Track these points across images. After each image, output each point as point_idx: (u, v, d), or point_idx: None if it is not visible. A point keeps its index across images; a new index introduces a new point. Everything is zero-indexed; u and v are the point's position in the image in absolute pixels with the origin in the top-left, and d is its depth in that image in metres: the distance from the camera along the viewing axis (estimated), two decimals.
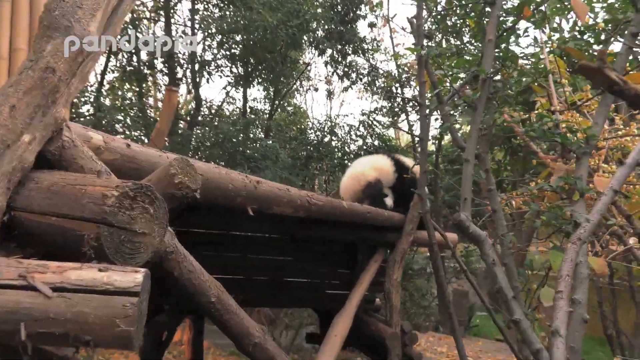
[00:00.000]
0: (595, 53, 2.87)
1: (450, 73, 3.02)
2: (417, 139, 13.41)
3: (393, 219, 4.28)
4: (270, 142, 11.20)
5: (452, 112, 5.68)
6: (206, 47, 13.84)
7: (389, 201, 4.54)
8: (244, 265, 4.47)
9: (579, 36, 2.83)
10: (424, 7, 3.03)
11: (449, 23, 3.71)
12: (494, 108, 2.72)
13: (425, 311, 11.57)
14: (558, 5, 2.75)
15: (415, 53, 2.68)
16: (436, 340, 7.47)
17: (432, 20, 3.64)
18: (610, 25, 2.75)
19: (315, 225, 3.56)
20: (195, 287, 1.71)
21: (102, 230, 1.11)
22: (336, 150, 13.53)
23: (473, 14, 2.83)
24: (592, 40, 2.85)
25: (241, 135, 10.67)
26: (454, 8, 3.36)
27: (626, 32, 2.68)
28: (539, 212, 2.58)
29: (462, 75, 3.07)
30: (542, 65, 3.17)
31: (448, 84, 3.74)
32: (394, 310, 4.33)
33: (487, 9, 3.04)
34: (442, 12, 3.34)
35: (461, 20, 3.51)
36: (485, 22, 2.92)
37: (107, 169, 1.38)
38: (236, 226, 3.68)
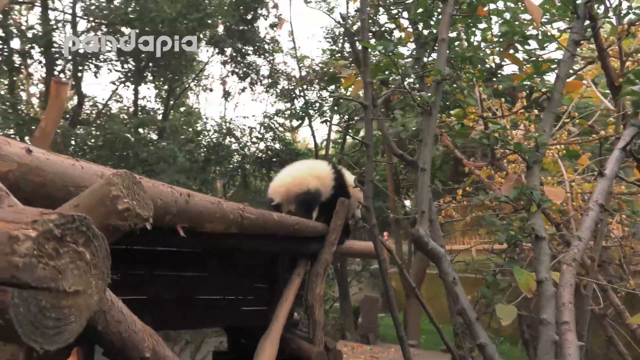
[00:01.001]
0: (534, 59, 2.83)
1: (387, 72, 2.82)
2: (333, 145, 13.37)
3: (317, 229, 4.00)
4: (166, 144, 10.43)
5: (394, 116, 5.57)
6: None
7: (314, 213, 4.25)
8: (149, 283, 3.93)
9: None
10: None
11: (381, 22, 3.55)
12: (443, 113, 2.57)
13: (328, 315, 11.50)
14: (512, 5, 2.65)
15: (361, 47, 2.42)
16: (349, 350, 7.34)
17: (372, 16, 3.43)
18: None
19: (233, 237, 3.16)
20: (124, 341, 1.28)
21: (8, 297, 0.68)
22: (235, 153, 13.04)
23: (420, 10, 2.64)
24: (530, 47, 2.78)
25: (134, 136, 9.80)
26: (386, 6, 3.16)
27: (568, 39, 2.64)
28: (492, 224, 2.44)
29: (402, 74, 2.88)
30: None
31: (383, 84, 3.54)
32: (318, 327, 4.05)
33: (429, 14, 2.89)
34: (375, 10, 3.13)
35: (392, 20, 3.31)
36: (432, 20, 2.75)
37: (5, 190, 0.92)
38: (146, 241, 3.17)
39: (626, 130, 1.85)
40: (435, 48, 2.81)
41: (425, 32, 3.10)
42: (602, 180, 1.76)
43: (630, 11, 2.47)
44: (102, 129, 9.51)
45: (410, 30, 3.22)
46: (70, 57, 11.33)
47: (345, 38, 10.16)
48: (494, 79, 6.38)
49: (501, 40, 3.84)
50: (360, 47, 2.84)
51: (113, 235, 0.91)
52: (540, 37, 2.69)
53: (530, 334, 4.54)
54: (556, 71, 2.64)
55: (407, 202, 14.18)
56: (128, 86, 13.55)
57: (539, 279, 1.99)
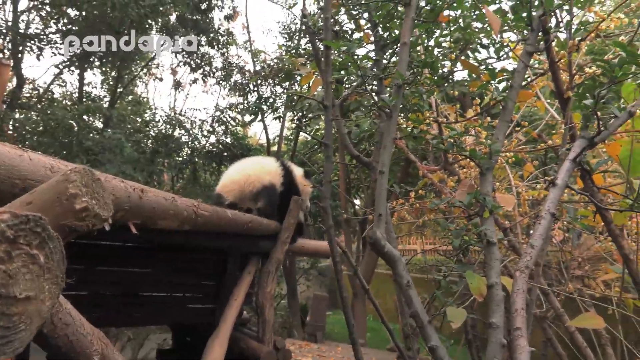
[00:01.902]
0: (491, 67, 2.91)
1: (346, 74, 2.82)
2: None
3: (270, 227, 3.96)
4: (112, 132, 10.03)
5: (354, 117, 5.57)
6: (31, 19, 12.05)
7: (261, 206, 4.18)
8: (90, 279, 3.76)
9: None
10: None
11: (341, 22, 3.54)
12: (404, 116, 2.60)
13: (275, 313, 11.44)
14: (467, 13, 2.71)
15: (324, 46, 2.40)
16: (297, 348, 7.32)
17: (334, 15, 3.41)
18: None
19: (183, 234, 3.07)
20: (72, 345, 1.21)
21: None
22: (185, 145, 12.73)
23: (380, 12, 2.65)
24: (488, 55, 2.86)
25: (78, 123, 9.37)
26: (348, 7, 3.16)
27: (522, 50, 2.72)
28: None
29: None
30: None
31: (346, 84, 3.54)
32: (267, 326, 4.01)
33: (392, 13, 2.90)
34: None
35: (353, 20, 3.31)
36: (395, 23, 2.77)
37: None
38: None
39: (576, 142, 1.93)
40: (395, 50, 2.82)
41: (385, 34, 3.12)
42: (554, 189, 1.82)
43: (581, 27, 2.57)
44: (44, 114, 9.03)
45: (370, 32, 3.24)
46: (9, 37, 10.74)
47: (303, 35, 10.14)
48: (446, 84, 6.52)
49: (454, 45, 3.93)
50: (321, 46, 2.84)
51: (69, 236, 0.85)
52: (496, 46, 2.76)
53: (473, 334, 4.69)
54: (510, 81, 2.71)
55: (357, 202, 14.34)
56: (73, 71, 12.96)
57: (490, 283, 2.04)
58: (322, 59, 2.58)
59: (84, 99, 12.83)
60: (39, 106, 11.53)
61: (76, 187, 0.85)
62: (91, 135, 9.12)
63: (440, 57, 5.05)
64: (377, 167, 2.39)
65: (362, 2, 2.66)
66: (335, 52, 3.68)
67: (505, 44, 2.78)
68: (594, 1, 2.51)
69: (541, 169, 3.54)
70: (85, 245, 3.40)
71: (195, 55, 12.66)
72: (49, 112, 8.97)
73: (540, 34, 2.66)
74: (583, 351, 3.08)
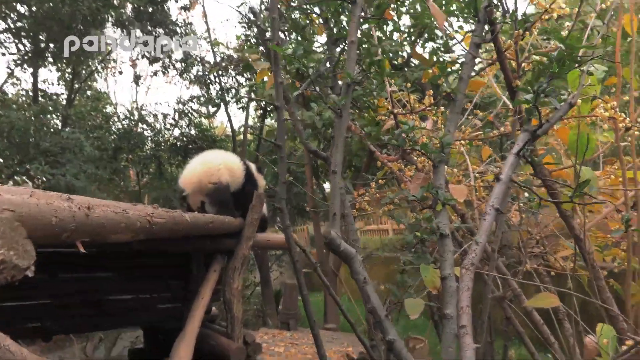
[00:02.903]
0: (444, 59, 2.94)
1: (300, 71, 2.81)
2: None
3: (233, 224, 3.95)
4: (70, 131, 9.75)
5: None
6: None
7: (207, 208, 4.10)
8: (54, 287, 3.70)
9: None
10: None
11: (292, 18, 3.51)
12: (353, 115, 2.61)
13: (249, 301, 11.46)
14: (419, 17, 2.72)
15: (272, 49, 2.38)
16: (270, 338, 7.36)
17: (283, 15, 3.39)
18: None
19: (140, 241, 3.04)
20: None
21: None
22: (148, 140, 12.52)
23: (328, 9, 2.64)
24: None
25: (33, 124, 9.07)
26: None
27: (469, 42, 2.75)
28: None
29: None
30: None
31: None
32: (236, 322, 4.02)
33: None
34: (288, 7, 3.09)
35: (305, 16, 3.28)
36: (342, 21, 2.76)
37: None
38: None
39: (520, 136, 1.98)
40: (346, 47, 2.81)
41: (336, 29, 3.12)
42: (498, 184, 1.87)
43: (525, 17, 2.61)
44: None
45: (323, 25, 3.23)
46: None
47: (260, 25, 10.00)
48: (406, 69, 6.55)
49: (412, 30, 3.92)
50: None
51: None
52: (444, 40, 2.78)
53: (439, 315, 4.80)
54: (459, 72, 2.75)
55: (327, 186, 14.39)
56: (25, 69, 12.51)
57: (443, 275, 2.08)
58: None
59: (40, 98, 12.42)
60: None
61: None
62: (48, 136, 8.83)
63: (399, 43, 5.07)
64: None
65: (308, 1, 2.64)
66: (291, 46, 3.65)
67: (452, 37, 2.80)
68: None
69: (500, 154, 3.60)
70: (47, 253, 3.34)
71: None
72: (1, 113, 8.65)
73: (487, 25, 2.70)
74: (540, 328, 3.19)
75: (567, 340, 3.27)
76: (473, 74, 2.94)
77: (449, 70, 2.77)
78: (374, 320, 2.28)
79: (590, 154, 2.85)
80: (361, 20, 2.45)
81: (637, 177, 2.85)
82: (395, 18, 2.83)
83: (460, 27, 3.28)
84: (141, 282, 4.29)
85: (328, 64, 3.00)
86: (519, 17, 2.69)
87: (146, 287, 4.36)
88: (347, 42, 2.48)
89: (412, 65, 6.83)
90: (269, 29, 2.95)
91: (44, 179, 8.12)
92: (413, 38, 5.86)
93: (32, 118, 8.92)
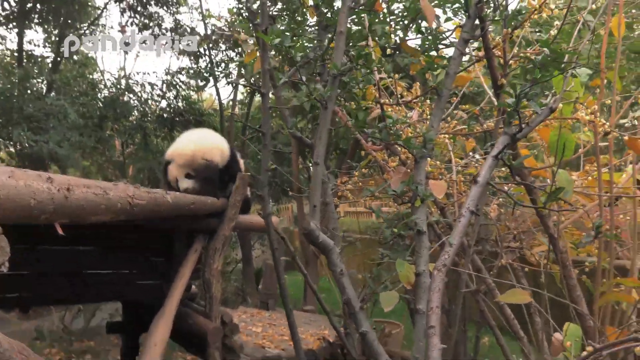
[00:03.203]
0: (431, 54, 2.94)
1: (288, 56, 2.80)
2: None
3: (216, 205, 3.95)
4: (55, 97, 9.60)
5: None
6: None
7: (189, 184, 4.05)
8: (32, 258, 3.69)
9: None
10: None
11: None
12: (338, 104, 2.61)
13: (229, 279, 11.53)
14: (411, 6, 2.71)
15: (258, 37, 2.37)
16: (248, 317, 7.44)
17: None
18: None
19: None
20: None
21: None
22: (135, 109, 12.36)
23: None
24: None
25: (17, 88, 8.90)
26: None
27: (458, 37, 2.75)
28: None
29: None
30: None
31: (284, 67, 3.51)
32: (214, 302, 4.06)
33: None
34: None
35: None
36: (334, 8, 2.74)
37: None
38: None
39: (500, 138, 2.00)
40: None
41: (328, 15, 3.09)
42: (475, 187, 1.90)
43: (514, 13, 2.62)
44: None
45: (314, 8, 3.20)
46: None
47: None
48: (397, 53, 6.49)
49: (405, 14, 3.88)
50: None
51: None
52: (433, 35, 2.79)
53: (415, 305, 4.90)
54: (446, 68, 2.75)
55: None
56: (10, 29, 12.22)
57: (418, 271, 2.13)
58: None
59: (25, 60, 12.17)
60: None
61: None
62: (32, 102, 8.68)
63: (393, 27, 5.04)
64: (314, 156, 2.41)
65: None
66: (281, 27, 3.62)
67: (441, 32, 2.81)
68: None
69: (484, 147, 3.64)
70: (27, 225, 3.32)
71: (143, 15, 12.14)
72: None
73: (476, 21, 2.70)
74: (510, 322, 3.29)
75: (537, 335, 3.38)
76: (461, 69, 2.94)
77: (436, 65, 2.77)
78: (348, 311, 2.33)
79: (569, 155, 2.90)
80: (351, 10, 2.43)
81: (613, 178, 2.91)
82: (385, 5, 2.80)
83: (449, 19, 3.27)
84: (122, 257, 4.29)
85: (317, 51, 2.97)
86: (510, 14, 2.70)
87: (127, 262, 4.36)
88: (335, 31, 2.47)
89: (404, 50, 6.78)
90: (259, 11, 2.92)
91: (27, 144, 8.00)
92: (406, 22, 5.83)
93: (16, 82, 8.74)
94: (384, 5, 2.93)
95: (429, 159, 3.16)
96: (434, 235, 3.56)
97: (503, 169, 3.38)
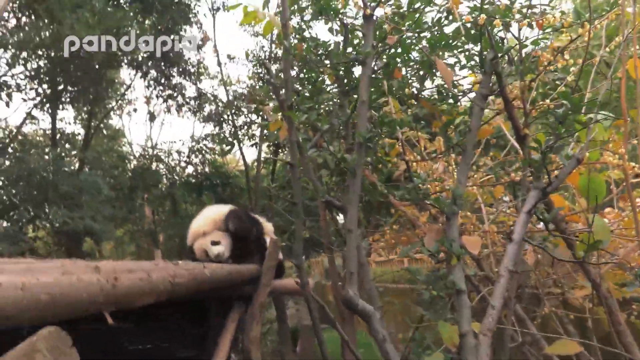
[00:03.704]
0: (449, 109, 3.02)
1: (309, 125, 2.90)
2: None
3: (250, 272, 3.99)
4: (88, 173, 9.96)
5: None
6: None
7: (220, 249, 4.11)
8: (73, 339, 3.75)
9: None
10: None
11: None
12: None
13: (265, 340, 11.36)
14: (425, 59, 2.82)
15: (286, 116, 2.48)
16: None
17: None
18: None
19: None
20: None
21: None
22: (163, 177, 12.70)
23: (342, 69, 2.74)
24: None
25: (51, 167, 9.29)
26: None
27: (476, 93, 2.82)
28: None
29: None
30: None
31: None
32: None
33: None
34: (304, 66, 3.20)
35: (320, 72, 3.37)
36: (354, 78, 2.86)
37: None
38: None
39: (530, 194, 2.02)
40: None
41: (347, 81, 3.21)
42: (511, 245, 1.91)
43: (530, 66, 2.69)
44: (18, 163, 8.93)
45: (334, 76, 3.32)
46: None
47: (273, 62, 10.23)
48: (415, 104, 6.60)
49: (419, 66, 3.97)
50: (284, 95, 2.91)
51: None
52: (452, 94, 2.86)
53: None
54: (468, 124, 2.80)
55: (340, 218, 14.38)
56: (44, 111, 12.86)
57: (462, 332, 2.11)
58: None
59: (58, 136, 12.72)
60: (10, 150, 11.40)
61: (42, 357, 0.89)
62: (66, 179, 9.03)
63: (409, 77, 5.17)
64: (346, 224, 2.45)
65: (320, 64, 2.74)
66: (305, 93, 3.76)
67: (460, 91, 2.89)
68: (539, 45, 2.63)
69: (516, 196, 3.63)
70: None
71: (167, 85, 12.68)
72: (20, 157, 8.88)
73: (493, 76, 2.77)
74: None
75: None
76: (483, 123, 2.99)
77: (456, 119, 2.83)
78: None
79: (602, 199, 2.88)
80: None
81: None
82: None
83: (464, 67, 3.36)
84: (160, 330, 4.32)
85: (340, 117, 3.07)
86: (524, 68, 2.77)
87: (164, 335, 4.39)
88: (358, 101, 2.56)
89: (421, 97, 6.90)
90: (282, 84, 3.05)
91: (63, 222, 8.26)
92: (422, 73, 5.95)
93: (51, 162, 9.13)
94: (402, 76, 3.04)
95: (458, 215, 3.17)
96: (472, 287, 3.51)
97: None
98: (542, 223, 2.18)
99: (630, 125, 2.83)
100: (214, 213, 4.39)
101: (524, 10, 3.22)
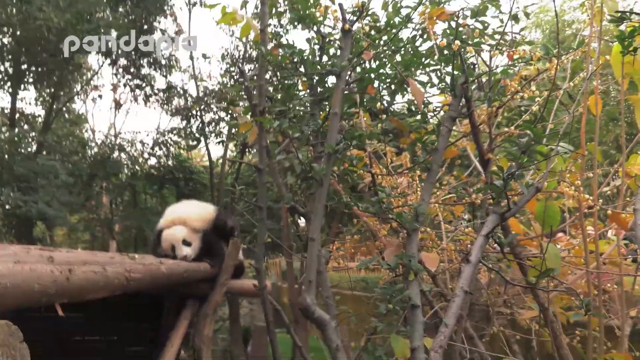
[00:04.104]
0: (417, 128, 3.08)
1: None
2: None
3: (208, 271, 3.96)
4: (46, 158, 9.63)
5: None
6: None
7: (188, 251, 4.05)
8: (20, 325, 3.63)
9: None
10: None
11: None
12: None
13: (215, 339, 11.25)
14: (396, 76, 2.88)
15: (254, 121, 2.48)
16: None
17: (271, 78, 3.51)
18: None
19: None
20: None
21: None
22: (125, 167, 12.43)
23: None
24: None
25: (8, 149, 8.95)
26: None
27: (445, 114, 2.90)
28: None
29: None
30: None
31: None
32: None
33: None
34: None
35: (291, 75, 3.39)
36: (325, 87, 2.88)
37: None
38: None
39: (489, 218, 2.09)
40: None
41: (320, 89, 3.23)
42: (468, 266, 1.97)
43: (497, 97, 2.78)
44: None
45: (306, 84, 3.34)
46: None
47: (246, 62, 10.18)
48: (385, 116, 6.69)
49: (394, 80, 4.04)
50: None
51: None
52: (421, 113, 2.93)
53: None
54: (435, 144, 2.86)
55: (302, 221, 14.39)
56: (4, 89, 12.40)
57: (413, 346, 2.16)
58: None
59: (17, 116, 12.30)
60: None
61: None
62: (23, 162, 8.72)
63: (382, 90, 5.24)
64: (309, 232, 2.47)
65: (296, 73, 2.76)
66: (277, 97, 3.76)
67: (430, 110, 2.96)
68: (509, 74, 2.72)
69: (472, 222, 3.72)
70: None
71: (136, 75, 12.43)
72: None
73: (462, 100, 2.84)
74: None
75: None
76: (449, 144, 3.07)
77: (424, 139, 2.90)
78: None
79: (556, 226, 3.00)
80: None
81: (599, 247, 3.01)
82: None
83: (433, 85, 3.45)
84: (110, 323, 4.24)
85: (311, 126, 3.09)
86: (492, 94, 2.86)
87: (115, 328, 4.31)
88: (330, 112, 2.59)
89: (392, 111, 7.00)
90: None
91: (16, 205, 7.98)
92: (393, 87, 6.05)
93: (7, 143, 8.80)
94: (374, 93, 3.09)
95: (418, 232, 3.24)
96: (426, 301, 3.58)
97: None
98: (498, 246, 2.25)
99: (587, 157, 2.96)
100: (202, 209, 4.25)
101: (496, 36, 3.34)
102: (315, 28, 3.07)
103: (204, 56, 10.68)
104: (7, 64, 10.53)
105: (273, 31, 3.02)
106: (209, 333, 4.12)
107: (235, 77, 9.72)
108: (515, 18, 3.23)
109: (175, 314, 4.25)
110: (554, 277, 2.21)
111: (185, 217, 4.07)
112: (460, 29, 3.04)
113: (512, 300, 4.19)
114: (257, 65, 2.70)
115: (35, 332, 3.76)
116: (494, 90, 2.64)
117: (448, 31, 3.06)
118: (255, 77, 2.73)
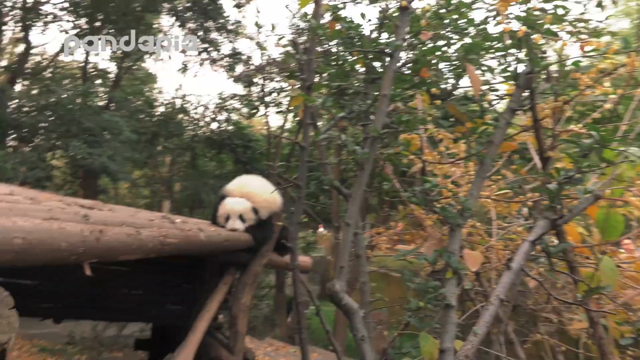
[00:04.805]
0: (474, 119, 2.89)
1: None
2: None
3: (249, 241, 3.97)
4: (111, 115, 9.98)
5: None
6: None
7: (240, 227, 4.01)
8: (63, 275, 3.78)
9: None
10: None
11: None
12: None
13: (260, 305, 11.51)
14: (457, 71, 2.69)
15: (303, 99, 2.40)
16: (274, 350, 7.37)
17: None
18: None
19: None
20: None
21: None
22: (186, 129, 12.74)
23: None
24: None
25: (78, 101, 9.34)
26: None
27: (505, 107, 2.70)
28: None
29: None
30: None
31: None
32: (239, 337, 4.04)
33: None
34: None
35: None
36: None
37: None
38: None
39: (539, 222, 1.93)
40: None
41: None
42: (507, 273, 1.82)
43: (565, 92, 2.55)
44: (47, 92, 9.00)
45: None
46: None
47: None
48: (449, 100, 6.43)
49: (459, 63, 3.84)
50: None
51: None
52: (479, 101, 2.74)
53: None
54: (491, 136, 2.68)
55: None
56: (80, 45, 12.90)
57: (442, 348, 2.05)
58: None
59: (90, 73, 12.80)
60: (46, 79, 11.51)
61: None
62: (92, 116, 9.09)
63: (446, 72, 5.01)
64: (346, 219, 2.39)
65: (349, 49, 2.64)
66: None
67: (489, 101, 2.76)
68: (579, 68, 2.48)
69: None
70: None
71: (204, 39, 12.57)
72: (52, 89, 8.97)
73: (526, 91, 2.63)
74: None
75: None
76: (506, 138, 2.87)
77: (481, 129, 2.71)
78: None
79: (617, 236, 2.76)
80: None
81: None
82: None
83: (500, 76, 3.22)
84: (153, 280, 4.36)
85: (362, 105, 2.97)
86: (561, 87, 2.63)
87: (157, 285, 4.43)
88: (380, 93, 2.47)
89: (455, 96, 6.71)
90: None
91: (82, 157, 8.36)
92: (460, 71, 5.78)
93: (79, 96, 9.20)
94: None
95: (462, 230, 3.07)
96: (468, 298, 3.43)
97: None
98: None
99: None
100: (272, 196, 4.13)
101: (578, 24, 3.06)
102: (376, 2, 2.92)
103: (257, 25, 10.62)
104: (83, 19, 10.91)
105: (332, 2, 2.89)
106: (247, 302, 4.16)
107: (296, 49, 9.61)
108: (600, 5, 2.95)
109: (216, 279, 4.31)
110: (605, 295, 2.01)
111: (254, 194, 4.01)
112: (537, 13, 2.80)
113: (561, 307, 3.96)
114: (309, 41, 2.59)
115: (80, 282, 3.93)
116: (562, 83, 2.41)
117: (522, 14, 2.83)
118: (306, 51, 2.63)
